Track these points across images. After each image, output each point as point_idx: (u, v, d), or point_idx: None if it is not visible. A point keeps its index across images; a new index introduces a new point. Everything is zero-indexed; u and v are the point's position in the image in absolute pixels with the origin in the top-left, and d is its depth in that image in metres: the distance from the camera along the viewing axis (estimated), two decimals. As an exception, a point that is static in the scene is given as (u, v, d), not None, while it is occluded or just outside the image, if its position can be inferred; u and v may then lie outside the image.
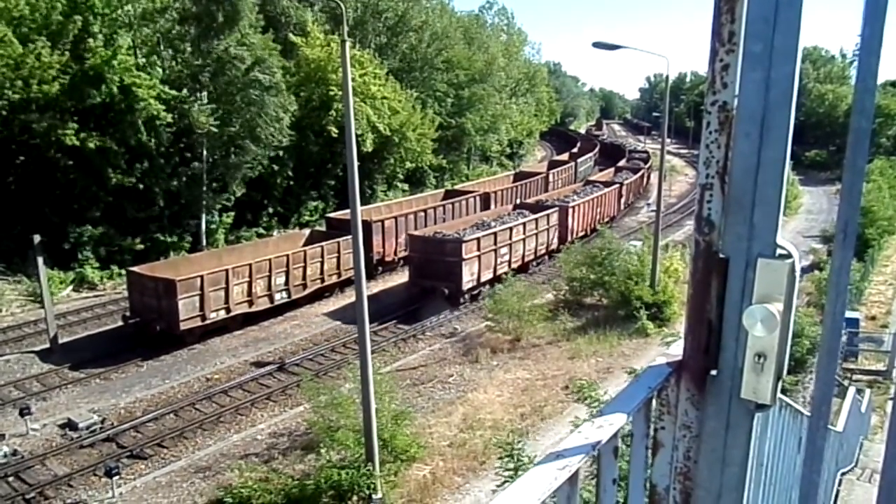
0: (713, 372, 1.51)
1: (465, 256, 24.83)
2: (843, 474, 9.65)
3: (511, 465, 9.73)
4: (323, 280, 25.47)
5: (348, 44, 13.08)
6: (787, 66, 1.31)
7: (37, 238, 20.19)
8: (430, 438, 16.19)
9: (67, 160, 26.09)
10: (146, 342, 20.62)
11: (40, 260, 20.26)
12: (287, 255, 23.96)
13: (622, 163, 57.12)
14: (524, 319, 22.58)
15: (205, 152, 30.28)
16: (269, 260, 23.24)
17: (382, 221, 28.96)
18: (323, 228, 30.28)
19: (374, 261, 27.63)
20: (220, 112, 29.43)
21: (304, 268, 24.57)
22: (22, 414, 16.11)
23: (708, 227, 1.44)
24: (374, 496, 13.00)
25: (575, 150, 68.32)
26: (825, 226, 41.19)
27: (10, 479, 14.23)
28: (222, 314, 21.70)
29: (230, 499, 13.11)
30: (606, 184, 42.72)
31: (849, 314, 21.10)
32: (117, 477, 13.85)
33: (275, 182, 34.81)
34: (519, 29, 75.08)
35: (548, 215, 31.11)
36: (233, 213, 32.73)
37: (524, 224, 29.32)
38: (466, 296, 25.62)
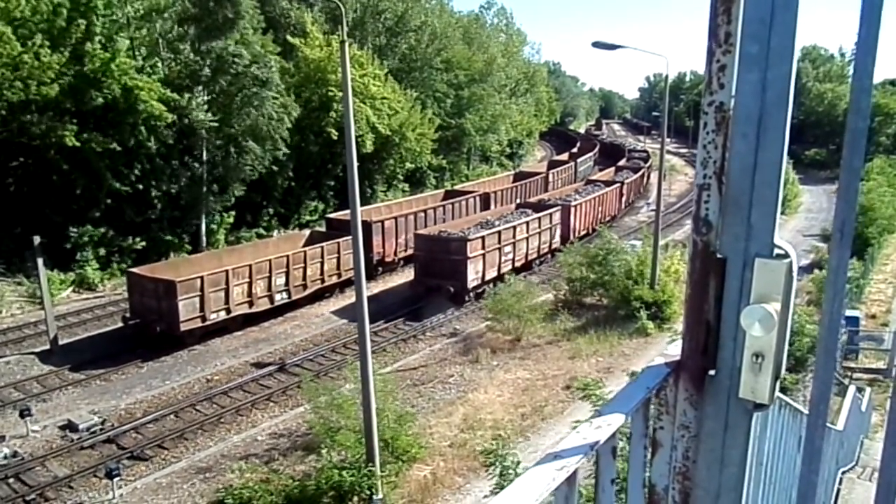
0: (711, 372, 1.51)
1: (469, 255, 25.00)
2: (843, 473, 9.65)
3: (498, 471, 9.69)
4: (323, 280, 25.47)
5: (347, 44, 13.09)
6: (783, 67, 1.31)
7: (37, 239, 20.18)
8: (431, 439, 16.20)
9: (67, 162, 26.08)
10: (146, 343, 20.62)
11: (40, 261, 20.26)
12: (287, 256, 23.96)
13: (622, 162, 57.19)
14: (524, 319, 22.59)
15: (205, 153, 30.29)
16: (270, 260, 23.24)
17: (382, 222, 28.97)
18: (323, 229, 30.29)
19: (374, 261, 27.63)
20: (220, 114, 29.42)
21: (305, 268, 24.57)
22: (22, 415, 16.10)
23: (706, 227, 1.44)
24: (374, 497, 13.00)
25: (575, 149, 68.35)
26: (825, 224, 41.18)
27: (11, 480, 14.23)
28: (222, 315, 21.70)
29: (231, 500, 13.11)
30: (608, 183, 42.86)
31: (849, 312, 21.13)
32: (118, 478, 13.85)
33: (275, 183, 34.82)
34: (518, 29, 75.12)
35: (550, 214, 31.25)
36: (233, 214, 32.74)
37: (527, 223, 29.47)
38: (471, 294, 25.73)
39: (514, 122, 64.91)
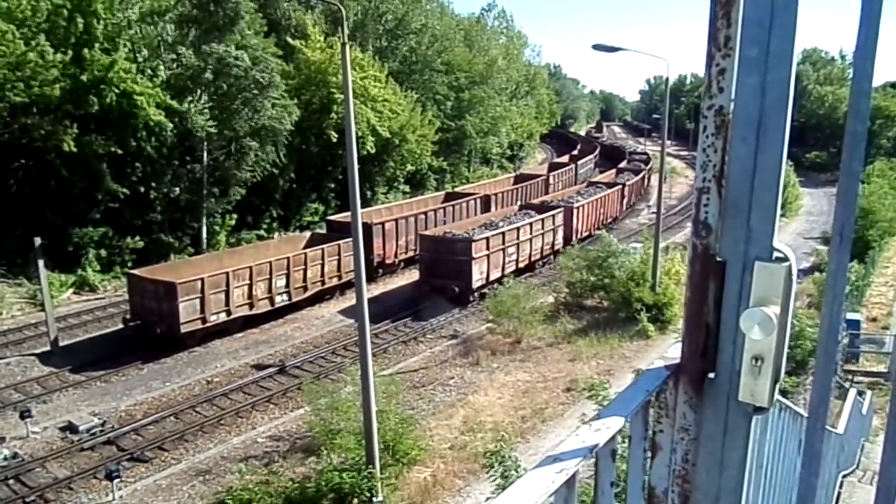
0: (711, 375, 1.51)
1: (474, 255, 25.17)
2: (844, 476, 9.64)
3: (499, 472, 9.69)
4: (323, 282, 25.47)
5: (348, 46, 13.10)
6: (782, 71, 1.31)
7: (38, 241, 20.20)
8: (431, 441, 16.19)
9: (67, 164, 26.09)
10: (147, 345, 20.62)
11: (41, 262, 20.26)
12: (288, 258, 23.96)
13: (623, 165, 57.29)
14: (524, 321, 22.58)
15: (206, 156, 30.31)
16: (270, 262, 23.23)
17: (383, 224, 28.97)
18: (324, 231, 30.30)
19: (375, 263, 27.64)
20: (221, 117, 29.43)
21: (305, 270, 24.57)
22: (22, 417, 16.11)
23: (705, 230, 1.44)
24: (374, 499, 12.99)
25: (575, 152, 68.33)
26: (825, 227, 41.16)
27: (11, 481, 14.23)
28: (223, 317, 21.70)
29: (231, 501, 13.11)
30: (609, 185, 43.12)
31: (850, 316, 21.08)
32: (118, 480, 13.85)
33: (276, 185, 34.84)
34: (519, 31, 75.12)
35: (553, 216, 31.41)
36: (234, 216, 32.75)
37: (531, 224, 29.61)
38: (476, 294, 25.80)
39: (515, 125, 64.88)
